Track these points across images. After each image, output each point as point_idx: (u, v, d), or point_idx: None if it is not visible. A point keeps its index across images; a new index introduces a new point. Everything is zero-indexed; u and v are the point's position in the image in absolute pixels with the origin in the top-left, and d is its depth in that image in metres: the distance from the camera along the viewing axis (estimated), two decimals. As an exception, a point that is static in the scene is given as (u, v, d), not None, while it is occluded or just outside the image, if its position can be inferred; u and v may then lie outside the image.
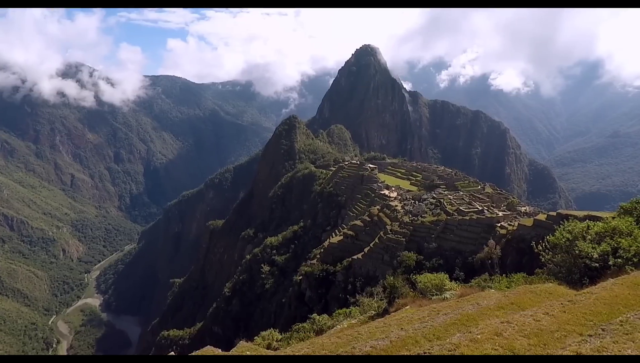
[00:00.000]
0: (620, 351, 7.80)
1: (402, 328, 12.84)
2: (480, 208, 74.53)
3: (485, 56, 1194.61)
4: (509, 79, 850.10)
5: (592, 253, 17.54)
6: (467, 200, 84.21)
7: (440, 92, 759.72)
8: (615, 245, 17.53)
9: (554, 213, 53.60)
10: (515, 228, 58.42)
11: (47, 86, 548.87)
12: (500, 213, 70.06)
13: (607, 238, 18.29)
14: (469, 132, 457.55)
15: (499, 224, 63.54)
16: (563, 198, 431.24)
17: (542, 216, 57.49)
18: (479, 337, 9.52)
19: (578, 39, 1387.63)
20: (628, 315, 9.07)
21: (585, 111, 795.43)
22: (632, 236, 17.71)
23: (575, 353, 7.69)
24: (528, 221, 57.18)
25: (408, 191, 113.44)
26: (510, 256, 53.03)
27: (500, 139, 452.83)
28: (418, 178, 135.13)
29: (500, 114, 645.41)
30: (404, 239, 72.46)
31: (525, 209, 78.20)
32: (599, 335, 8.43)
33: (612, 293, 12.02)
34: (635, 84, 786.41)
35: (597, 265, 17.33)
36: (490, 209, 74.78)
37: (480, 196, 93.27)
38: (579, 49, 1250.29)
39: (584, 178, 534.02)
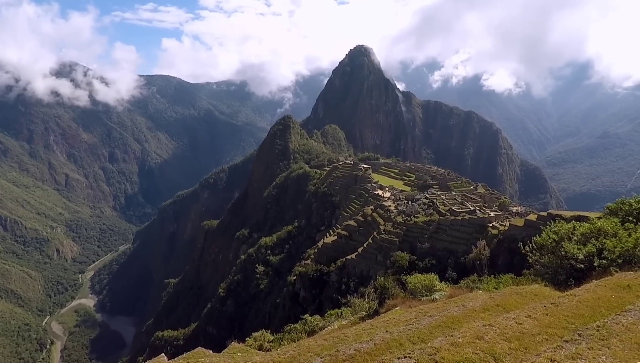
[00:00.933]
0: (595, 358, 7.77)
1: (387, 331, 12.87)
2: (472, 208, 74.85)
3: (477, 56, 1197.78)
4: (501, 79, 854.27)
5: (577, 254, 17.60)
6: (460, 200, 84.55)
7: (433, 93, 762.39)
8: (600, 246, 17.61)
9: (545, 213, 53.90)
10: (506, 228, 58.69)
11: (41, 85, 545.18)
12: (492, 213, 70.41)
13: (593, 239, 18.38)
14: (462, 132, 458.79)
15: (490, 225, 63.85)
16: (554, 198, 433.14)
17: (533, 216, 57.80)
18: (460, 340, 9.53)
19: (568, 40, 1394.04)
20: (605, 320, 9.01)
21: (575, 111, 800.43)
22: (617, 237, 17.77)
23: (549, 361, 7.71)
24: (519, 221, 57.46)
25: (401, 191, 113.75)
26: (502, 256, 53.21)
27: (492, 139, 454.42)
28: (411, 178, 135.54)
29: (492, 114, 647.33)
30: (397, 239, 72.67)
31: (517, 210, 78.57)
32: (575, 340, 8.40)
33: (595, 295, 12.09)
34: (624, 85, 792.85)
35: (582, 266, 17.45)
36: (482, 209, 75.11)
37: (472, 196, 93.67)
38: (569, 50, 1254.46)
39: (575, 178, 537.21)
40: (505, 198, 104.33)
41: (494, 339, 9.59)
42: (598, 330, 8.58)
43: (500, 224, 63.00)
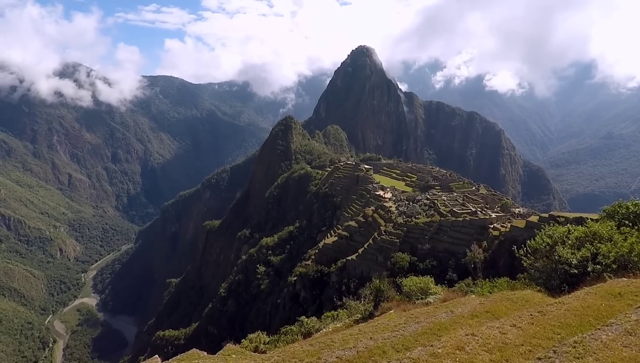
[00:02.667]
0: None
1: (371, 338, 12.56)
2: (473, 209, 74.37)
3: (480, 57, 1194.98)
4: (504, 80, 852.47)
5: (571, 259, 17.11)
6: (461, 201, 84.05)
7: (435, 93, 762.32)
8: (595, 251, 17.08)
9: (546, 215, 53.51)
10: (508, 229, 58.30)
11: (45, 86, 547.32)
12: (494, 215, 69.94)
13: (587, 243, 17.85)
14: (464, 133, 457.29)
15: (491, 226, 63.42)
16: (557, 199, 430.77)
17: (534, 218, 57.37)
18: (439, 350, 9.15)
19: (571, 40, 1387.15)
20: (584, 335, 8.48)
21: (579, 112, 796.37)
22: (612, 242, 17.22)
23: None
24: (520, 223, 57.08)
25: (403, 192, 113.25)
26: (503, 257, 52.85)
27: (495, 140, 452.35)
28: (413, 179, 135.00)
29: (495, 115, 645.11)
30: (397, 240, 72.30)
31: (519, 211, 78.02)
32: (549, 358, 7.92)
33: (584, 303, 11.69)
34: (628, 85, 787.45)
35: (576, 271, 16.98)
36: (484, 210, 74.62)
37: (474, 197, 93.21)
38: (572, 50, 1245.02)
39: (578, 179, 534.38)
40: (507, 199, 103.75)
41: (475, 350, 9.20)
42: (574, 347, 8.10)
43: (502, 226, 62.59)
